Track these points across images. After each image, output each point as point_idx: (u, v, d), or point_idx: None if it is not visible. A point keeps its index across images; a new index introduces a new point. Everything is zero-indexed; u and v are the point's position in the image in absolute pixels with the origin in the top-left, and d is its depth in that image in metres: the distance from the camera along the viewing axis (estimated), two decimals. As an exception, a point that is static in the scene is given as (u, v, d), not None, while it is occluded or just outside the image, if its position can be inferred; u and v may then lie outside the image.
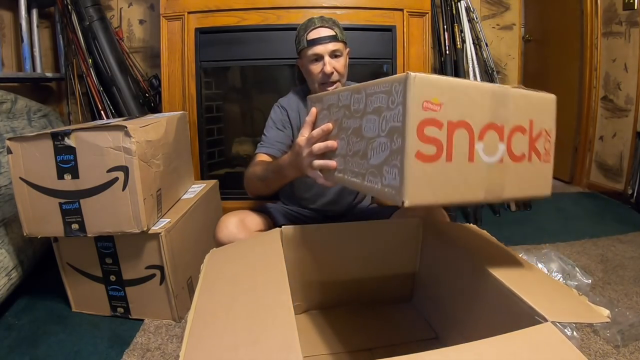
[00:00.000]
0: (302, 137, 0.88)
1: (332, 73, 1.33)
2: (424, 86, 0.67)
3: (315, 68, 1.34)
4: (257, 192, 1.19)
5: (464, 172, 0.69)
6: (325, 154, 0.86)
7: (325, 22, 1.36)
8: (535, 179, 0.80)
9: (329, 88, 1.34)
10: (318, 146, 0.85)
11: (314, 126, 0.91)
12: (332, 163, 0.84)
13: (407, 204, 0.65)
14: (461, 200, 0.70)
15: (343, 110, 0.85)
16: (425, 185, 0.66)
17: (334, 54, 1.34)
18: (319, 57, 1.33)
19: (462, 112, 0.69)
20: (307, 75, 1.38)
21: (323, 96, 0.93)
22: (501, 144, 0.73)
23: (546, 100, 0.85)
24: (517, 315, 0.70)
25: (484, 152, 0.71)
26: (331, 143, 0.84)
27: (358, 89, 0.81)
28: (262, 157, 1.26)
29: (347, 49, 1.42)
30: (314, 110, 0.92)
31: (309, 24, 1.36)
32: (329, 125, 0.86)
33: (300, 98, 1.43)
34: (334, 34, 1.34)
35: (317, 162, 0.85)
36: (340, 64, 1.35)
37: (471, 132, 0.71)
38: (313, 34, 1.34)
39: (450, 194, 0.68)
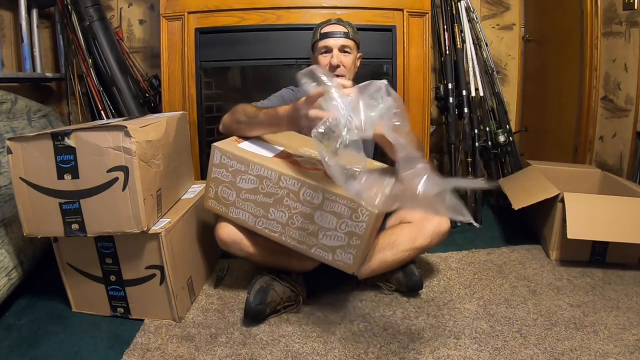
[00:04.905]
0: (302, 100, 1.04)
1: (339, 66, 1.37)
2: (377, 217, 1.11)
3: (324, 60, 1.42)
4: (233, 128, 1.27)
5: (369, 245, 1.23)
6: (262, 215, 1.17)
7: (340, 21, 1.45)
8: None
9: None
10: (314, 112, 0.99)
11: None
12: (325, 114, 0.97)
13: (357, 274, 1.21)
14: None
15: (286, 191, 1.13)
16: (360, 261, 1.17)
17: (343, 49, 1.41)
18: (328, 50, 1.41)
19: (379, 219, 1.19)
20: None
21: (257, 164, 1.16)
22: (378, 224, 1.22)
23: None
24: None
25: (374, 233, 1.24)
26: (323, 114, 0.97)
27: (314, 187, 1.10)
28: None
29: (359, 54, 1.47)
30: (316, 90, 1.00)
31: (326, 21, 1.44)
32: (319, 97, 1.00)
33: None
34: (347, 31, 1.42)
35: (312, 113, 1.00)
36: (348, 59, 1.42)
37: (377, 223, 1.20)
38: (327, 29, 1.42)
39: (364, 258, 1.24)
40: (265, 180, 1.16)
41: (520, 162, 2.27)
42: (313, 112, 0.99)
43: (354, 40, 1.43)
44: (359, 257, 1.14)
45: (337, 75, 1.39)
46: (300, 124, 1.07)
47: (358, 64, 1.49)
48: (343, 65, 1.39)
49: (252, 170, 1.17)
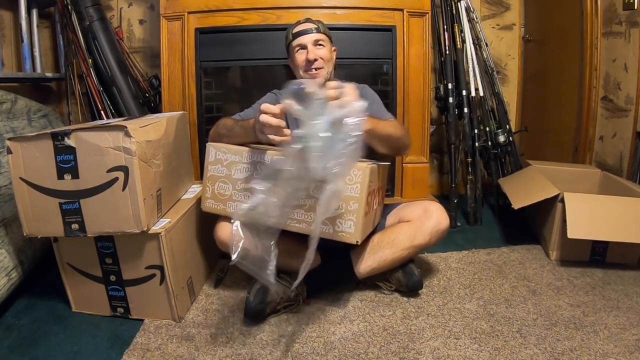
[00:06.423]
0: (264, 115, 1.04)
1: (315, 60, 1.43)
2: (370, 174, 1.12)
3: (300, 56, 1.47)
4: (217, 141, 1.32)
5: (369, 220, 1.22)
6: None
7: (309, 19, 1.51)
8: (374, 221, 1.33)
9: (315, 73, 1.45)
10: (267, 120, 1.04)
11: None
12: (277, 139, 1.04)
13: (359, 242, 1.15)
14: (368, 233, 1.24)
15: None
16: (362, 229, 1.15)
17: (317, 43, 1.47)
18: (303, 46, 1.46)
19: (374, 185, 1.19)
20: (294, 67, 1.51)
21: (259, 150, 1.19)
22: (375, 200, 1.26)
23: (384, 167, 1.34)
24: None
25: (373, 207, 1.25)
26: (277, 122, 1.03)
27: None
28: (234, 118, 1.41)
29: (334, 48, 1.56)
30: (281, 106, 1.02)
31: (295, 23, 1.52)
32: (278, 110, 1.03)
33: None
34: (317, 26, 1.48)
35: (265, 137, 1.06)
36: (324, 52, 1.48)
37: (373, 195, 1.21)
38: (297, 28, 1.49)
39: (367, 232, 1.24)
40: (259, 164, 1.19)
41: (520, 162, 2.27)
42: (263, 118, 1.03)
43: (325, 34, 1.49)
44: (360, 224, 1.13)
45: (316, 69, 1.44)
46: (259, 137, 1.09)
47: (334, 57, 1.55)
48: (320, 58, 1.44)
49: (246, 158, 1.22)
